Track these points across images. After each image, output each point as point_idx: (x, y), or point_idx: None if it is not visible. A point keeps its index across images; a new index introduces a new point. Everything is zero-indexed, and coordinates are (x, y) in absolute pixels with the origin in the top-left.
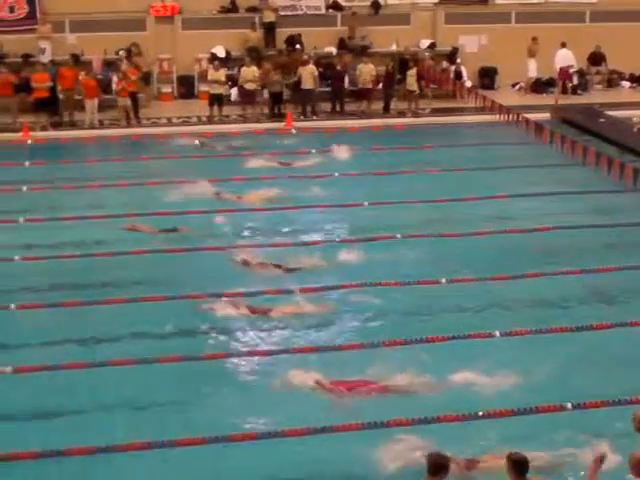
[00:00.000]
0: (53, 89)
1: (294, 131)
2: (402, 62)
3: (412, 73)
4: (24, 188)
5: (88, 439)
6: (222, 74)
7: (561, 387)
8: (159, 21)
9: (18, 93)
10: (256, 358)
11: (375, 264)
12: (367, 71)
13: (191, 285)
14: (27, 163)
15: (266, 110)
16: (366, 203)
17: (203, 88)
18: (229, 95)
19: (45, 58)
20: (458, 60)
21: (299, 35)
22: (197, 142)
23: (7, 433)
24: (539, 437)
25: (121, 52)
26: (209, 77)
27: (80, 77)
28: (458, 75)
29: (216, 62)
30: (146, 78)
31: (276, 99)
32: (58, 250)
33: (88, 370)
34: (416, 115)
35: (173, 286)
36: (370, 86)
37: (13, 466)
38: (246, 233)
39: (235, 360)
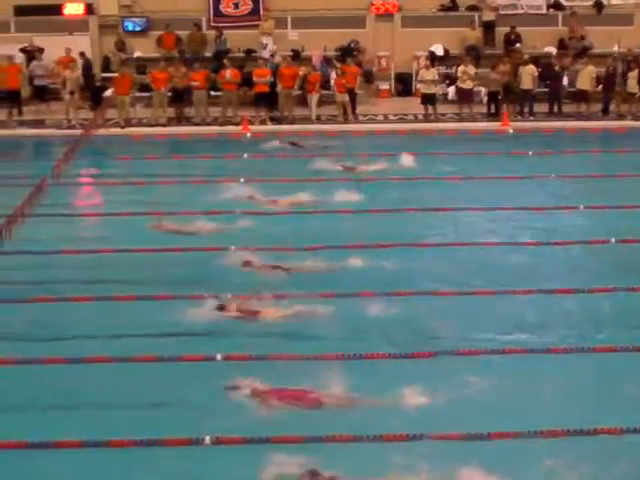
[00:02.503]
0: (274, 84)
1: (511, 131)
2: (624, 64)
3: (634, 75)
4: (241, 180)
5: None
6: (433, 73)
7: None
8: (379, 19)
9: (240, 87)
10: None
11: (582, 268)
12: (587, 72)
13: None
14: (245, 155)
15: (483, 109)
16: (582, 206)
17: (420, 86)
18: (446, 94)
19: (267, 53)
20: None
21: (518, 34)
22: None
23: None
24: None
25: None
26: (420, 77)
27: (302, 72)
28: None
29: (427, 62)
30: (366, 75)
31: (493, 98)
32: (273, 241)
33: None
34: (636, 118)
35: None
36: (589, 88)
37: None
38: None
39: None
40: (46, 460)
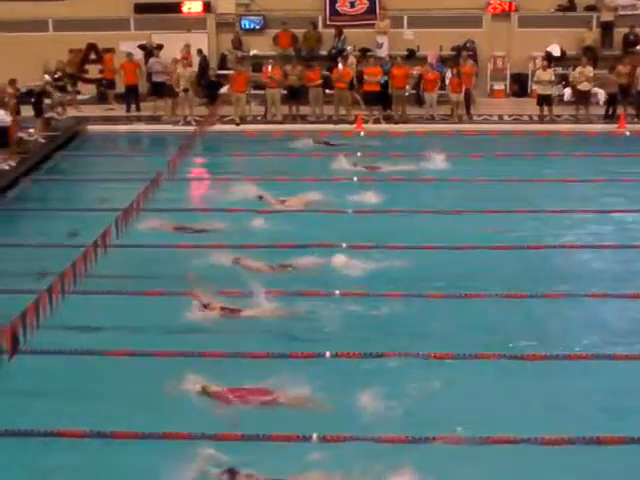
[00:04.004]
0: (386, 83)
1: (627, 133)
2: None
3: None
4: (354, 179)
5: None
6: (549, 74)
7: None
8: (495, 18)
9: (353, 86)
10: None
11: None
12: None
13: None
14: (359, 154)
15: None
16: None
17: (536, 87)
18: (562, 95)
19: (381, 53)
20: None
21: (637, 35)
22: None
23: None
24: None
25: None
26: (536, 77)
27: (416, 72)
28: None
29: (544, 62)
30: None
31: (611, 100)
32: (384, 240)
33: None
34: None
35: None
36: None
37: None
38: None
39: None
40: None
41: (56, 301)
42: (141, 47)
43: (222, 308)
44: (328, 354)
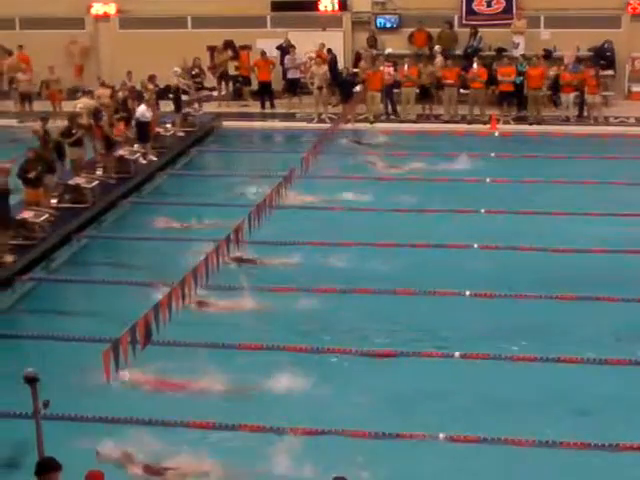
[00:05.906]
0: (521, 84)
1: None
2: None
3: None
4: (487, 180)
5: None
6: None
7: None
8: (634, 19)
9: (489, 86)
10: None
11: None
12: None
13: None
14: (492, 154)
15: None
16: None
17: None
18: None
19: (517, 52)
20: None
21: None
22: None
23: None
24: None
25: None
26: None
27: (552, 72)
28: None
29: None
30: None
31: None
32: (516, 242)
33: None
34: None
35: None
36: None
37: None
38: None
39: None
40: None
41: (188, 295)
42: (278, 47)
43: None
44: (457, 354)
